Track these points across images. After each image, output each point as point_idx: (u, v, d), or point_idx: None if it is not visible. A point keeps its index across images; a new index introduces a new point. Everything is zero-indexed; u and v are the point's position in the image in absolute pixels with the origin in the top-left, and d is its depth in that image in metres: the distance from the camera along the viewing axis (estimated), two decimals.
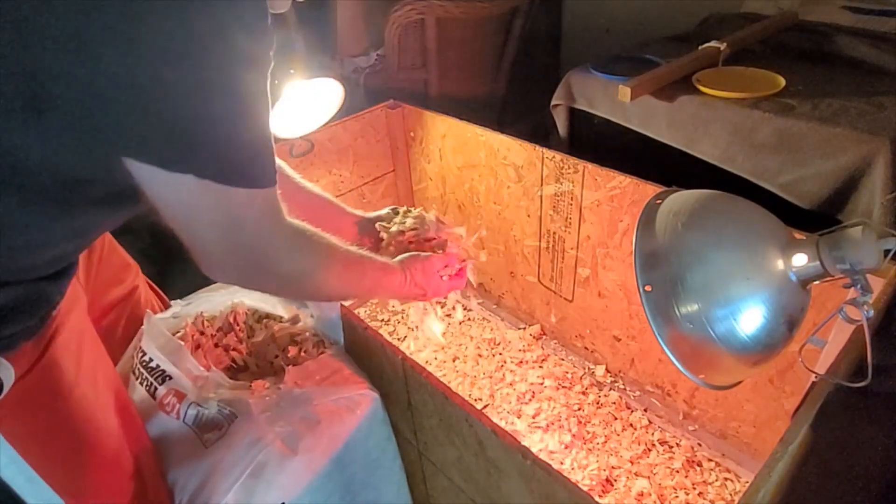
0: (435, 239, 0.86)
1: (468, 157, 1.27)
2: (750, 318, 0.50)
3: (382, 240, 0.86)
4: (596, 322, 1.19)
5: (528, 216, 1.21)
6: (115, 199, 0.53)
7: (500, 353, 1.30)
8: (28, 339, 0.55)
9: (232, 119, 0.46)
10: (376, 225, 0.88)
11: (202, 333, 0.89)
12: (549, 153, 1.08)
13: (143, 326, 0.80)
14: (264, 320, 0.94)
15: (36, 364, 0.56)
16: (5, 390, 0.53)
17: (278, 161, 0.58)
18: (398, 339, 1.37)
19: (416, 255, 0.78)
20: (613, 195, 1.00)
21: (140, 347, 0.78)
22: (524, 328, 1.37)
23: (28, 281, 0.54)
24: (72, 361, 0.60)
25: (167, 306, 0.94)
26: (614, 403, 1.16)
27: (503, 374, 1.25)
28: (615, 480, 1.02)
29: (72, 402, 0.60)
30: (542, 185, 1.13)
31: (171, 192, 0.47)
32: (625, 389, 1.19)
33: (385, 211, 0.90)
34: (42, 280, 0.55)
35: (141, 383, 0.75)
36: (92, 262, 0.77)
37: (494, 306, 1.45)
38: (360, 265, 0.68)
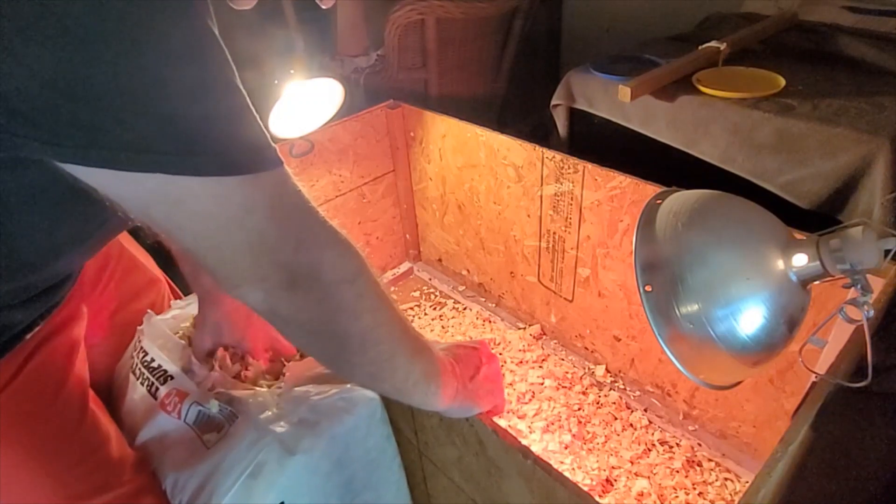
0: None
1: (468, 157, 1.27)
2: (750, 318, 0.50)
3: None
4: (596, 322, 1.19)
5: (528, 216, 1.21)
6: (66, 232, 0.50)
7: (500, 353, 1.30)
8: None
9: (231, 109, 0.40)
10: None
11: None
12: (549, 153, 1.08)
13: (141, 326, 0.80)
14: None
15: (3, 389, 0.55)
16: None
17: None
18: None
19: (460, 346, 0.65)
20: (613, 195, 1.00)
21: (141, 347, 0.78)
22: (524, 328, 1.37)
23: None
24: (48, 388, 0.59)
25: None
26: (614, 403, 1.16)
27: (503, 374, 1.25)
28: (615, 480, 1.02)
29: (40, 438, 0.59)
30: (542, 185, 1.13)
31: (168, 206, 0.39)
32: (625, 389, 1.19)
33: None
34: (4, 309, 0.53)
35: (142, 383, 0.75)
36: (101, 282, 0.75)
37: (494, 306, 1.45)
38: (400, 313, 0.54)
